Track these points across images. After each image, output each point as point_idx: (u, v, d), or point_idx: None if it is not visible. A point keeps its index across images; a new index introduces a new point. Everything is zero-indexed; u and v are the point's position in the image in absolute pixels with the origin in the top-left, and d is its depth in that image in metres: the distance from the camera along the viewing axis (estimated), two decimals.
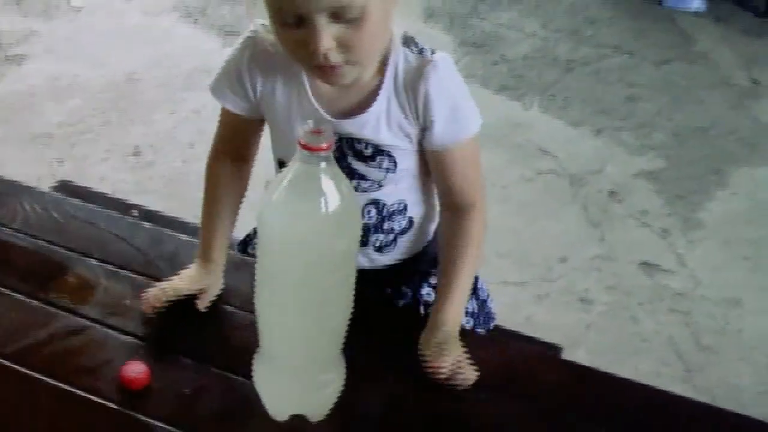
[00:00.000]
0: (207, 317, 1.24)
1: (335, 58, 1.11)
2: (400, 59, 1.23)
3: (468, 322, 1.47)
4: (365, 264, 1.41)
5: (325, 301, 1.03)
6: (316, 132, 0.94)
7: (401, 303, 1.47)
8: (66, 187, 2.02)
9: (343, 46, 1.11)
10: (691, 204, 2.79)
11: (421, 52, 1.24)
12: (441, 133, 1.25)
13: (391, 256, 1.42)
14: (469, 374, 1.20)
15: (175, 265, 1.29)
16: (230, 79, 1.27)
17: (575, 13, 3.79)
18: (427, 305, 1.44)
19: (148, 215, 1.85)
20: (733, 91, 3.41)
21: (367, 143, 1.27)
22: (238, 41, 1.27)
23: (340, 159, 1.28)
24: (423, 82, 1.22)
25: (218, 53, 3.19)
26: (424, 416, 1.15)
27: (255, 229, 1.51)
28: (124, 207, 1.89)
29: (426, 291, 1.46)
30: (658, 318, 2.40)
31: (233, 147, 1.35)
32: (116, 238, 1.36)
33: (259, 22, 1.23)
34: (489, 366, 1.20)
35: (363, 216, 1.35)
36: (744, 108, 3.31)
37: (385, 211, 1.37)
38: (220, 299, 1.28)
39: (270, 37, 1.20)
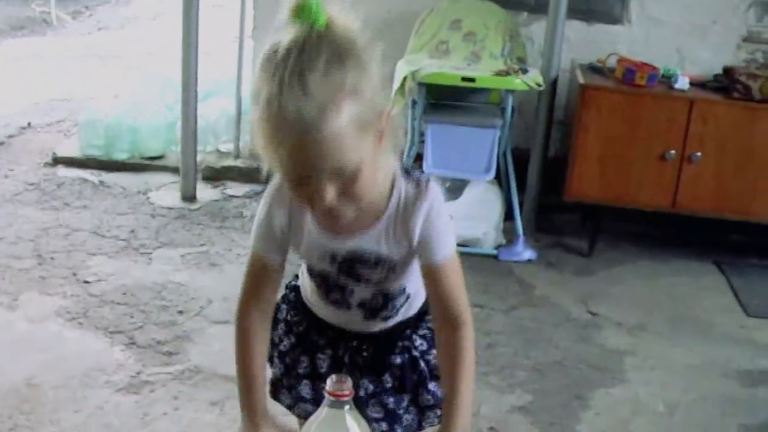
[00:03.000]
0: None
1: (336, 203, 1.44)
2: (402, 188, 1.58)
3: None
4: (367, 330, 1.78)
5: None
6: (340, 382, 1.24)
7: (398, 360, 1.79)
8: None
9: (344, 194, 1.44)
10: (562, 428, 3.11)
11: (417, 182, 1.59)
12: (429, 252, 1.60)
13: (392, 321, 1.79)
14: None
15: None
16: (264, 228, 1.63)
17: None
18: (423, 355, 1.80)
19: None
20: (576, 324, 3.84)
21: (370, 254, 1.61)
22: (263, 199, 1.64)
23: (349, 267, 1.66)
24: (419, 208, 1.58)
25: (108, 352, 3.39)
26: None
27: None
28: None
29: (419, 343, 1.80)
30: None
31: (260, 296, 1.67)
32: None
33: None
34: None
35: (371, 302, 1.72)
36: (589, 338, 3.73)
37: (389, 296, 1.73)
38: None
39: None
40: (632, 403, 3.29)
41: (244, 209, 4.80)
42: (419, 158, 4.45)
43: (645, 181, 4.38)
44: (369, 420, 1.79)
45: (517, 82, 4.27)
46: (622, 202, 4.45)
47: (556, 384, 3.38)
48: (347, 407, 1.26)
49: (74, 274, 3.98)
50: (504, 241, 4.55)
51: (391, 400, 1.82)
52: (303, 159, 1.40)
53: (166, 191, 5.03)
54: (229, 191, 5.09)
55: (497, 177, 4.56)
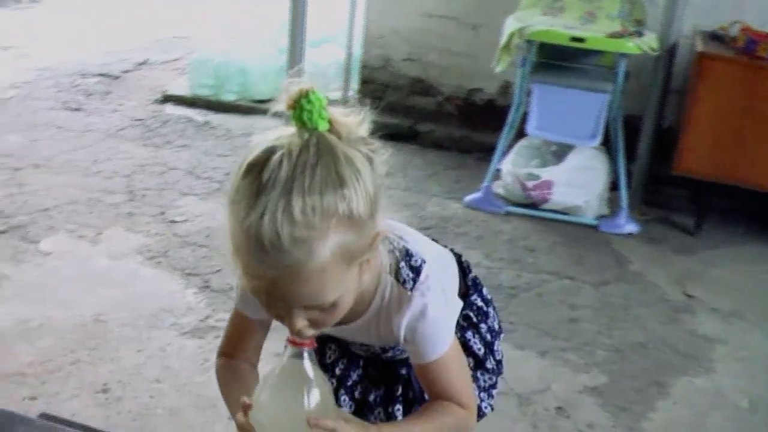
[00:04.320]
0: None
1: (307, 332, 1.27)
2: (387, 290, 1.40)
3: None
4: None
5: None
6: None
7: (404, 371, 1.68)
8: (48, 418, 2.13)
9: (315, 324, 1.27)
10: (634, 415, 2.94)
11: (403, 283, 1.39)
12: (417, 353, 1.44)
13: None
14: None
15: None
16: (242, 289, 1.45)
17: (515, 244, 4.04)
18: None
19: None
20: (669, 306, 3.63)
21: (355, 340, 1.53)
22: None
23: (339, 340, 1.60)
24: (400, 321, 1.40)
25: (181, 294, 3.37)
26: None
27: None
28: None
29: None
30: None
31: (240, 349, 1.54)
32: None
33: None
34: None
35: (370, 350, 1.63)
36: (680, 322, 3.53)
37: (387, 347, 1.62)
38: None
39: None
40: (714, 396, 3.08)
41: None
42: (525, 118, 4.28)
43: (760, 159, 4.11)
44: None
45: (630, 46, 4.05)
46: (734, 180, 4.19)
47: (635, 367, 3.21)
48: (306, 355, 1.23)
49: (162, 213, 3.98)
50: (607, 212, 4.36)
51: (399, 409, 1.71)
52: (278, 294, 1.21)
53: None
54: None
55: (605, 144, 4.36)
